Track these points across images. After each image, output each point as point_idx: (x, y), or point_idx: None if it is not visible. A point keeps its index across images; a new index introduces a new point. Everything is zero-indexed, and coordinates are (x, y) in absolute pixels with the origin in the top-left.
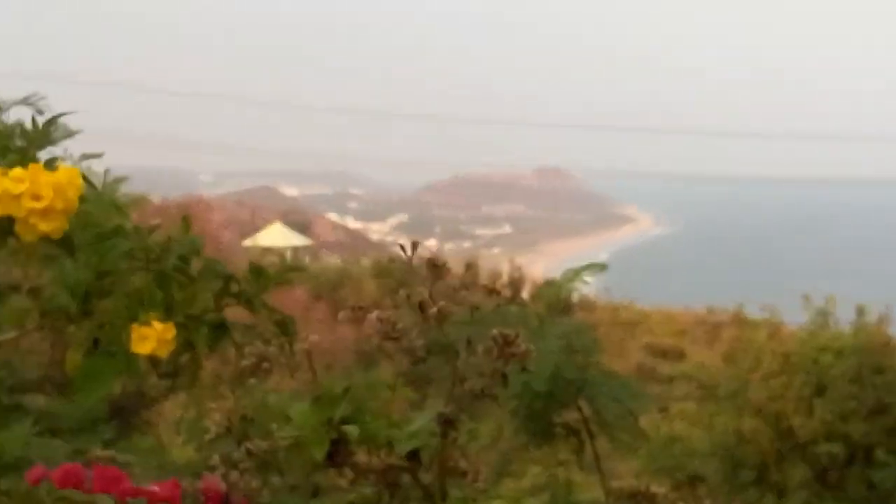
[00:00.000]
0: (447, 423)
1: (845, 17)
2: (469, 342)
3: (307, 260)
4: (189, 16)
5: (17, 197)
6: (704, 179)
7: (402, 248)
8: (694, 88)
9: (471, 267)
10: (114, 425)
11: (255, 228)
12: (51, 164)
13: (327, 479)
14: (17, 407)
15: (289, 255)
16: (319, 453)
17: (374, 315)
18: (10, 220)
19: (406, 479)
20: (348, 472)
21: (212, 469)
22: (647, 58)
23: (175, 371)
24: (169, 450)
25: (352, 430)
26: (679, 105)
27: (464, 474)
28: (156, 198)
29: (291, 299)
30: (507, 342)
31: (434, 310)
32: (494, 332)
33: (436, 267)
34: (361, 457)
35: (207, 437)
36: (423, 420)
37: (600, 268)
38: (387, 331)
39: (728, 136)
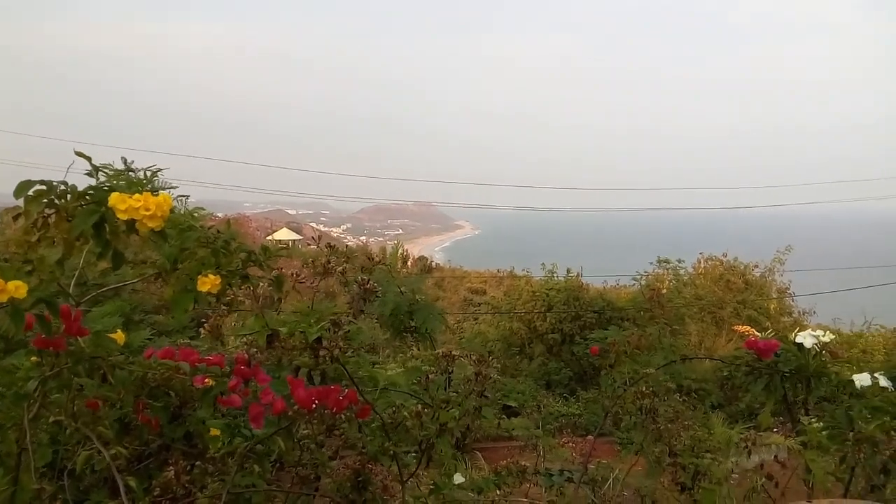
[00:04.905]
0: (335, 324)
1: None
2: (361, 284)
3: (300, 247)
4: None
5: (137, 209)
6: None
7: (335, 245)
8: None
9: (381, 251)
10: (194, 330)
11: (273, 231)
12: (154, 193)
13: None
14: (142, 320)
15: (290, 244)
16: (262, 341)
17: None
18: (132, 221)
19: (321, 351)
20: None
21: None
22: None
23: (230, 302)
24: (226, 343)
25: (284, 329)
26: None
27: (370, 350)
28: (219, 215)
29: (291, 265)
30: (364, 284)
31: (341, 269)
32: (359, 278)
33: (334, 248)
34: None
35: (242, 336)
36: (323, 322)
37: (444, 251)
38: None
39: None
